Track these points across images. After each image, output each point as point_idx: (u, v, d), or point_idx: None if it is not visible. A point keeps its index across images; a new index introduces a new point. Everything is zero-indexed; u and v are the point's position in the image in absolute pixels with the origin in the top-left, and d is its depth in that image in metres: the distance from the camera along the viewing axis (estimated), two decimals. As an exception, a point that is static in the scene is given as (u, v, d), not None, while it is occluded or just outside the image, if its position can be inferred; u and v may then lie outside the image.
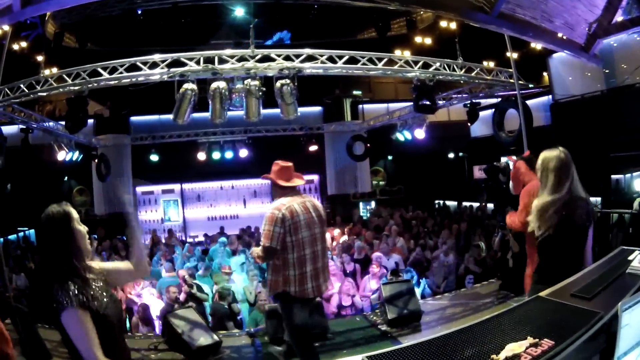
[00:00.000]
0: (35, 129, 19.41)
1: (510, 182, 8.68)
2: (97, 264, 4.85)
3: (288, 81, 14.39)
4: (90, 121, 23.00)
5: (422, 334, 10.54)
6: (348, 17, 29.00)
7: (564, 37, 16.05)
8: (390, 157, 32.06)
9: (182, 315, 10.49)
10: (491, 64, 19.72)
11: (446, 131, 28.43)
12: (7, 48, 13.47)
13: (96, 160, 23.39)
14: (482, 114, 21.01)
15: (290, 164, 8.64)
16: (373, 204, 30.46)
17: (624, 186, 19.78)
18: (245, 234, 22.36)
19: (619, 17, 15.52)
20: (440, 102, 19.63)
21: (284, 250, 7.69)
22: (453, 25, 22.92)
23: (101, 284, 4.61)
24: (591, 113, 18.31)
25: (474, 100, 20.30)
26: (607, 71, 17.19)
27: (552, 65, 20.28)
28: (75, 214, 4.57)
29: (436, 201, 31.12)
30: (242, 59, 14.29)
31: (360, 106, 29.67)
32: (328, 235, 18.72)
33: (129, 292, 14.01)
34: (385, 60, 15.69)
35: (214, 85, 14.32)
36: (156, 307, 13.21)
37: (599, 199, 18.26)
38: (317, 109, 28.94)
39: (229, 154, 25.04)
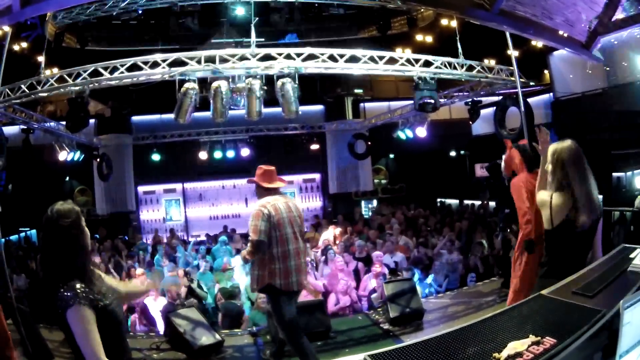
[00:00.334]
0: (36, 129, 19.43)
1: (503, 164, 8.75)
2: (111, 281, 4.89)
3: (289, 80, 14.40)
4: (92, 121, 23.00)
5: (425, 332, 10.54)
6: (349, 16, 28.99)
7: (565, 35, 16.03)
8: (391, 156, 32.04)
9: (184, 314, 10.48)
10: (492, 62, 19.68)
11: (448, 129, 28.43)
12: (7, 49, 13.46)
13: (98, 160, 23.38)
14: (483, 112, 21.00)
15: (272, 168, 9.00)
16: (375, 202, 30.45)
17: (625, 184, 19.79)
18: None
19: (619, 15, 15.50)
20: (442, 100, 19.58)
21: (270, 244, 8.21)
22: (454, 23, 22.92)
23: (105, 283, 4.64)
24: (592, 111, 18.32)
25: (475, 98, 20.29)
26: (608, 69, 17.19)
27: (553, 63, 20.33)
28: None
29: (438, 199, 31.11)
30: (243, 58, 14.26)
31: (362, 104, 29.66)
32: (330, 233, 18.81)
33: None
34: (386, 58, 15.67)
35: (215, 84, 14.33)
36: (155, 306, 13.17)
37: (600, 196, 18.26)
38: (319, 107, 28.93)
39: (230, 153, 25.10)
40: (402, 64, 15.96)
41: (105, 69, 14.50)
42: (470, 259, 15.92)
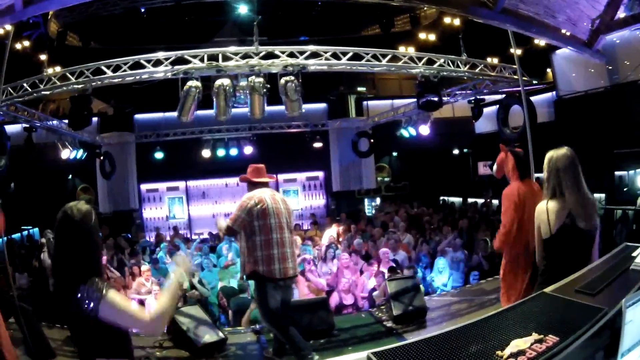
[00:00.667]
0: (38, 127, 19.41)
1: (495, 166, 8.77)
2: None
3: (292, 78, 14.39)
4: (94, 119, 23.04)
5: (428, 330, 10.54)
6: (352, 14, 29.03)
7: (567, 33, 16.05)
8: (395, 154, 32.05)
9: (187, 312, 10.49)
10: (495, 60, 19.70)
11: (450, 127, 28.47)
12: (9, 47, 13.48)
13: (101, 158, 23.39)
14: (486, 110, 21.01)
15: (262, 165, 9.58)
16: (378, 200, 30.47)
17: (628, 182, 19.79)
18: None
19: (621, 14, 15.52)
20: (445, 99, 19.57)
21: (253, 233, 8.67)
22: (457, 22, 22.94)
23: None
24: (595, 109, 18.33)
25: (478, 97, 20.29)
26: (610, 67, 17.20)
27: (556, 62, 20.31)
28: None
29: (441, 197, 31.12)
30: (246, 56, 14.30)
31: (365, 102, 29.63)
32: (334, 231, 18.83)
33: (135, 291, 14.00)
34: (389, 56, 15.71)
35: (218, 82, 14.35)
36: (154, 303, 13.19)
37: (602, 195, 18.25)
38: (322, 105, 28.95)
39: (233, 151, 25.15)
40: (405, 62, 15.99)
41: (108, 67, 14.54)
42: (473, 257, 15.92)
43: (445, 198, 30.99)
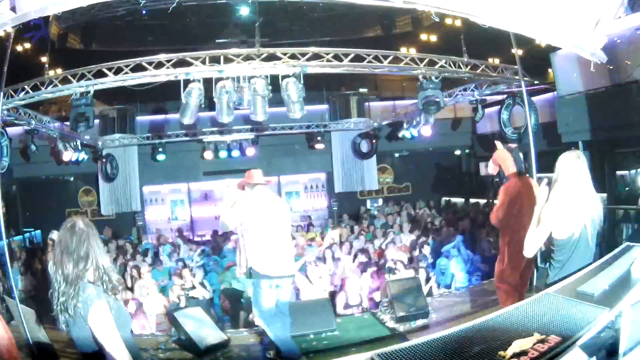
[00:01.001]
0: (40, 130, 19.38)
1: (491, 162, 8.86)
2: None
3: (294, 79, 14.42)
4: (96, 121, 23.04)
5: (430, 331, 10.53)
6: (353, 15, 29.02)
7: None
8: (397, 155, 32.06)
9: (190, 314, 10.53)
10: (496, 61, 19.70)
11: (452, 128, 28.42)
12: (10, 50, 13.47)
13: (103, 160, 23.38)
14: (488, 110, 21.01)
15: (258, 169, 9.49)
16: (380, 201, 30.48)
17: (629, 182, 19.79)
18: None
19: (622, 13, 15.51)
20: (446, 99, 19.57)
21: (249, 231, 8.91)
22: (458, 22, 22.94)
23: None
24: (596, 109, 18.31)
25: (479, 97, 20.30)
26: (611, 67, 17.19)
27: (557, 62, 20.28)
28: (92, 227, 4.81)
29: (443, 198, 31.12)
30: (247, 57, 14.32)
31: (367, 104, 29.50)
32: (336, 233, 18.85)
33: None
34: (390, 57, 15.72)
35: (220, 84, 14.35)
36: (151, 304, 13.18)
37: (604, 195, 18.27)
38: (324, 107, 28.77)
39: (235, 153, 25.08)
40: (407, 63, 16.00)
41: (110, 69, 14.54)
42: (476, 257, 15.93)
43: (448, 199, 31.01)
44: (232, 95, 14.37)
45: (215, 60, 14.23)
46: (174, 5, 13.49)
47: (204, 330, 10.09)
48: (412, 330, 10.70)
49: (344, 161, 28.61)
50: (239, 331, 11.69)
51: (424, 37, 30.77)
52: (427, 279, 14.78)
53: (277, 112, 16.85)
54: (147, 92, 16.97)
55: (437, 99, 16.57)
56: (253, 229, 8.78)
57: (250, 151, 24.94)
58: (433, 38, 30.49)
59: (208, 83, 14.89)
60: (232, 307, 13.75)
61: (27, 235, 25.00)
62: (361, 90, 30.34)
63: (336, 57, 15.00)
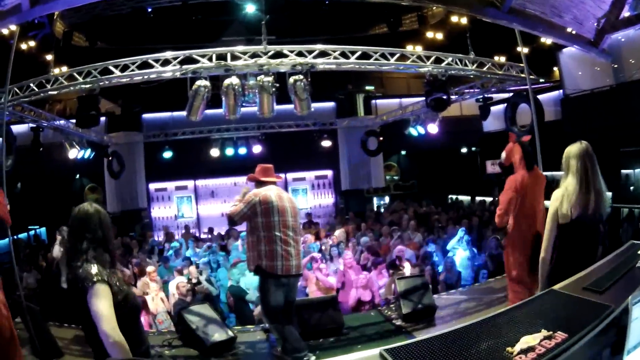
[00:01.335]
0: (45, 127, 19.42)
1: (503, 154, 8.90)
2: None
3: (301, 77, 14.43)
4: (102, 119, 23.05)
5: (437, 328, 10.55)
6: (359, 13, 29.05)
7: (573, 32, 16.10)
8: (403, 152, 32.13)
9: (197, 311, 10.51)
10: (502, 59, 19.70)
11: (459, 126, 28.44)
12: (15, 48, 13.48)
13: (109, 158, 23.40)
14: (494, 108, 21.03)
15: (270, 165, 9.60)
16: (387, 199, 30.51)
17: (634, 181, 19.81)
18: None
19: (626, 13, 15.57)
20: (453, 97, 19.56)
21: (257, 229, 8.82)
22: (464, 20, 22.92)
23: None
24: (601, 108, 18.34)
25: (486, 95, 20.30)
26: (615, 66, 17.22)
27: (562, 60, 20.31)
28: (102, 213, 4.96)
29: (449, 196, 31.16)
30: (254, 55, 14.37)
31: (373, 101, 29.72)
32: (341, 232, 18.88)
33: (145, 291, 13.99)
34: (397, 55, 15.75)
35: (227, 81, 14.37)
36: (154, 303, 13.18)
37: (609, 193, 18.27)
38: (330, 104, 28.98)
39: (242, 150, 25.11)
40: (414, 61, 16.02)
41: (116, 67, 14.60)
42: (481, 255, 15.94)
43: (454, 196, 31.02)
44: (239, 93, 14.38)
45: (222, 57, 14.27)
46: (179, 3, 13.55)
47: (210, 327, 10.07)
48: (418, 328, 10.71)
49: (351, 159, 28.63)
50: (246, 328, 11.65)
51: (430, 34, 30.82)
52: (433, 276, 14.79)
53: (284, 109, 16.83)
54: (153, 89, 16.99)
55: (444, 97, 16.57)
56: (261, 228, 8.73)
57: (257, 148, 24.99)
58: (439, 36, 30.54)
59: (215, 80, 14.94)
60: (238, 304, 13.76)
61: (31, 232, 25.10)
62: (368, 87, 30.42)
63: (343, 54, 15.04)
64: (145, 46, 20.97)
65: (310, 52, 14.70)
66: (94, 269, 4.52)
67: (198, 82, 14.13)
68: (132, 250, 18.82)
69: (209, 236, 22.85)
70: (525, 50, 15.96)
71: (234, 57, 14.33)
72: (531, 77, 16.34)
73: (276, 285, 8.70)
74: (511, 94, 19.27)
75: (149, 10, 26.41)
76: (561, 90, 21.18)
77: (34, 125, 18.93)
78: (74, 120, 18.23)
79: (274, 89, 14.29)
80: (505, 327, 3.59)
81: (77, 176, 28.98)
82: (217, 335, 9.89)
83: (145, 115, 27.61)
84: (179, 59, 14.36)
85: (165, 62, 14.41)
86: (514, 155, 8.68)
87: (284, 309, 8.90)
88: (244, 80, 14.52)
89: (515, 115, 18.20)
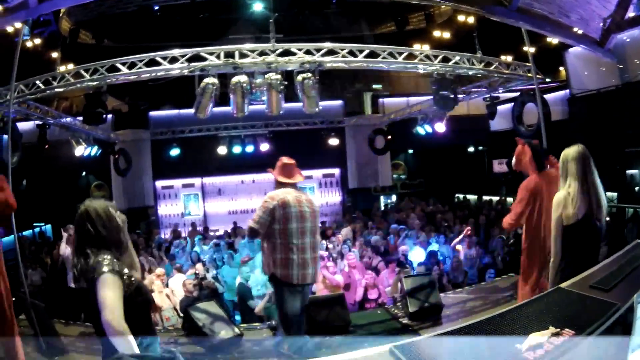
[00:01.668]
0: (52, 124, 19.41)
1: (514, 159, 8.86)
2: None
3: (309, 75, 14.42)
4: (109, 116, 23.07)
5: (443, 327, 10.55)
6: (367, 11, 29.08)
7: (580, 32, 16.12)
8: (410, 151, 32.17)
9: (203, 308, 10.54)
10: (509, 58, 19.70)
11: (466, 125, 28.40)
12: (20, 45, 13.50)
13: (116, 156, 23.40)
14: (501, 107, 21.01)
15: (293, 161, 9.13)
16: (394, 197, 30.53)
17: (639, 181, 19.81)
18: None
19: (631, 13, 15.59)
20: (460, 96, 19.54)
21: (273, 236, 8.47)
22: (471, 20, 22.93)
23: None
24: (607, 108, 18.36)
25: (493, 94, 20.29)
26: (621, 66, 17.23)
27: (569, 60, 20.33)
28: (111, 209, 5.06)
29: (456, 195, 31.16)
30: (262, 53, 14.35)
31: (381, 100, 29.77)
32: (348, 230, 18.89)
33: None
34: (405, 54, 15.73)
35: (235, 79, 14.36)
36: (158, 299, 13.18)
37: (614, 194, 18.26)
38: (338, 102, 29.02)
39: (249, 148, 25.11)
40: (421, 60, 16.01)
41: (123, 64, 14.58)
42: (489, 254, 15.96)
43: (461, 195, 31.04)
44: (247, 90, 14.39)
45: (230, 55, 14.26)
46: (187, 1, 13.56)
47: (217, 324, 10.10)
48: (424, 326, 10.73)
49: (358, 157, 28.71)
50: (252, 326, 11.66)
51: (437, 33, 30.83)
52: (440, 275, 14.80)
53: (291, 107, 16.82)
54: (160, 87, 17.01)
55: (451, 96, 16.57)
56: (277, 235, 8.44)
57: (264, 146, 25.06)
58: (446, 35, 30.55)
59: (223, 78, 14.96)
60: (244, 302, 13.78)
61: (37, 229, 25.17)
62: (375, 86, 30.44)
63: (351, 52, 15.02)
64: (152, 44, 21.00)
65: (318, 50, 14.66)
66: (105, 260, 4.51)
67: (206, 80, 14.15)
68: (138, 248, 18.84)
69: (215, 233, 22.89)
70: (532, 49, 15.98)
71: (242, 55, 14.30)
72: (538, 76, 16.34)
73: (291, 293, 8.52)
74: (518, 93, 19.28)
75: (156, 8, 26.46)
76: (568, 90, 21.19)
77: (40, 123, 18.93)
78: (80, 118, 18.27)
79: (282, 87, 14.31)
80: (513, 324, 3.63)
81: (84, 173, 29.05)
82: (224, 332, 9.93)
83: (152, 113, 27.66)
84: (186, 57, 14.34)
85: (173, 60, 14.40)
86: (524, 157, 8.63)
87: (300, 319, 8.80)
88: (251, 78, 14.53)
89: (522, 115, 18.19)
